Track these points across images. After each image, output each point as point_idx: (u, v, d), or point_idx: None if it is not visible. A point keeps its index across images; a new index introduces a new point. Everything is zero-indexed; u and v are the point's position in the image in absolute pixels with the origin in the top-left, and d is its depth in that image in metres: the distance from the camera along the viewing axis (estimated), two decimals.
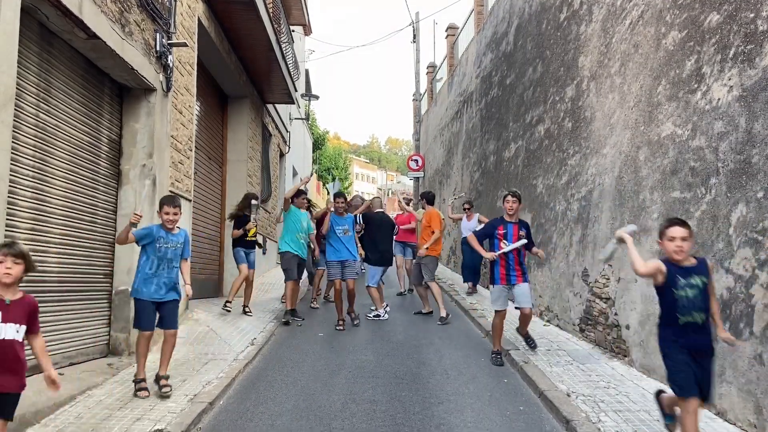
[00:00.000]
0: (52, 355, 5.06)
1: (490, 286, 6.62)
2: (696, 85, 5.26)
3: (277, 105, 14.52)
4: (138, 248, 5.19)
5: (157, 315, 5.11)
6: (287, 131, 17.17)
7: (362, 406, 4.96)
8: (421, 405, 4.98)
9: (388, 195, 71.29)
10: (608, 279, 6.44)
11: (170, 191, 6.88)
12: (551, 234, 8.35)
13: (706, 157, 4.96)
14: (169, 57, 6.60)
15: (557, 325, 7.84)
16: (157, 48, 6.35)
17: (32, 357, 4.82)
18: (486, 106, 13.09)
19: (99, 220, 5.89)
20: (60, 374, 4.99)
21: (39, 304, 4.91)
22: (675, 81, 5.59)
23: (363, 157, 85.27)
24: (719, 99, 4.92)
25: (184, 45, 6.90)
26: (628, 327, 5.92)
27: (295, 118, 18.63)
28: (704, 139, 5.02)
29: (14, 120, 4.38)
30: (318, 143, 30.68)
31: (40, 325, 4.96)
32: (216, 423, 4.55)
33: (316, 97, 18.97)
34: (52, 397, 4.43)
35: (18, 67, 4.36)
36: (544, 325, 8.05)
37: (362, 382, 5.62)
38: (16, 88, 4.36)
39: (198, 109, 9.12)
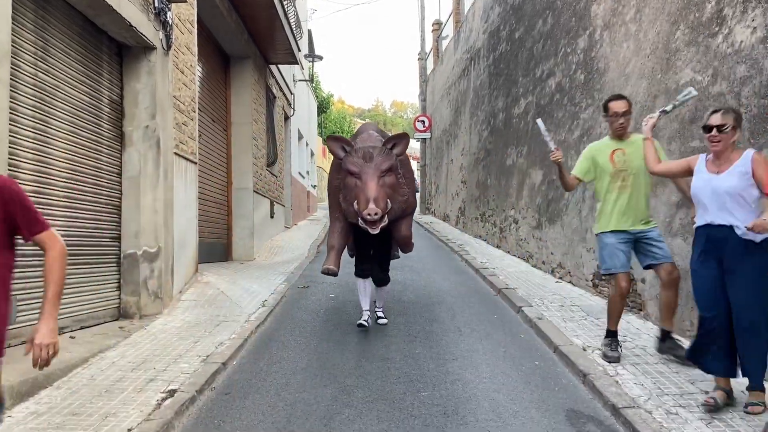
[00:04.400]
0: (62, 319, 5.06)
1: None
2: (717, 28, 5.04)
3: (280, 66, 14.25)
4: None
5: None
6: (291, 93, 16.92)
7: (376, 363, 4.93)
8: (436, 362, 4.94)
9: None
10: None
11: (174, 153, 6.77)
12: (563, 190, 8.19)
13: (727, 103, 4.76)
14: (168, 14, 6.40)
15: (570, 282, 7.76)
16: (156, 4, 6.14)
17: (35, 323, 4.81)
18: (494, 62, 12.79)
19: (103, 183, 5.80)
20: (71, 337, 5.00)
21: None
22: (694, 25, 5.36)
23: (368, 120, 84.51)
24: (742, 42, 4.70)
25: (184, 1, 6.68)
26: (643, 281, 5.83)
27: (299, 80, 18.34)
28: (726, 84, 4.83)
29: (12, 79, 4.26)
30: (323, 106, 30.33)
31: None
32: (230, 383, 4.52)
33: (320, 58, 18.66)
34: (65, 359, 4.42)
35: (13, 23, 4.21)
36: (556, 281, 7.98)
37: (375, 341, 5.58)
38: (12, 46, 4.22)
39: (200, 69, 8.93)
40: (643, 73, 6.17)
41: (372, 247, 5.95)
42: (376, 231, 5.03)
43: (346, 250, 6.17)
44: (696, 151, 5.07)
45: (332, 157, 5.64)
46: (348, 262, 6.29)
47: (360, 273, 6.01)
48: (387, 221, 5.10)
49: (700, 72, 5.19)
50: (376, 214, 4.88)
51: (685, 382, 4.07)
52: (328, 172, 6.04)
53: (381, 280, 6.04)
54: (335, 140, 5.45)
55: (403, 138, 5.47)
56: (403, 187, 5.52)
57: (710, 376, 3.83)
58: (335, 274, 5.61)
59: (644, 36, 6.25)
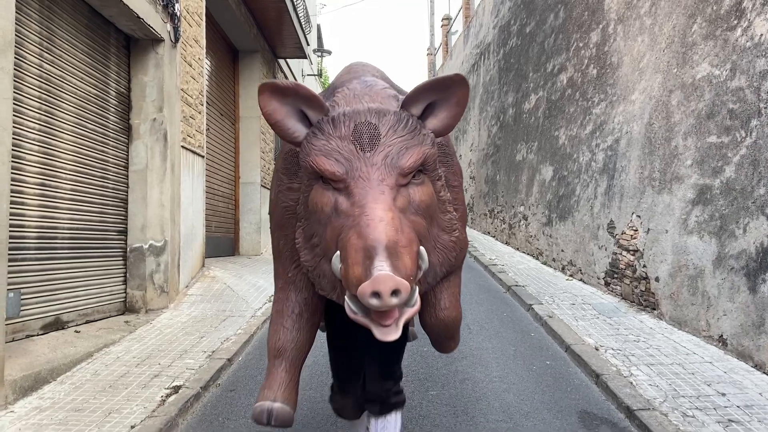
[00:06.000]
0: (68, 313, 5.02)
1: None
2: (736, 22, 4.91)
3: (289, 61, 14.17)
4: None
5: None
6: None
7: None
8: (444, 360, 4.85)
9: None
10: (636, 230, 6.20)
11: (182, 146, 6.71)
12: (574, 186, 8.09)
13: (746, 98, 4.65)
14: (176, 6, 6.33)
15: (581, 280, 7.65)
16: None
17: (46, 315, 4.78)
18: (504, 57, 12.65)
19: (110, 176, 5.74)
20: (76, 332, 4.96)
21: (52, 261, 4.85)
22: (712, 18, 5.23)
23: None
24: (762, 35, 4.58)
25: None
26: (657, 279, 5.72)
27: (308, 75, 18.25)
28: (744, 78, 4.70)
29: (16, 69, 4.20)
30: None
31: (54, 282, 4.92)
32: (235, 379, 4.46)
33: (329, 53, 18.54)
34: (69, 354, 4.37)
35: (17, 12, 4.15)
36: (567, 279, 7.87)
37: None
38: (16, 35, 4.16)
39: (208, 63, 8.86)
40: (659, 68, 6.04)
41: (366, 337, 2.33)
42: (394, 336, 1.81)
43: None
44: (713, 148, 4.96)
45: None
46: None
47: (341, 404, 3.02)
48: (418, 304, 1.88)
49: (717, 66, 5.06)
50: (394, 293, 1.67)
51: (701, 384, 3.96)
52: (273, 174, 2.74)
53: (385, 397, 2.88)
54: (280, 93, 2.11)
55: (453, 87, 2.09)
56: (450, 211, 2.35)
57: (729, 379, 3.73)
58: (286, 424, 2.38)
59: (659, 29, 6.12)
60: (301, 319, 2.57)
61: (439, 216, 2.24)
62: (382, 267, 1.66)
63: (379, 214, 1.78)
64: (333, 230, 1.91)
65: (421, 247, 1.93)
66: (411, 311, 1.83)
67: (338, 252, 1.83)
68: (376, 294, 1.64)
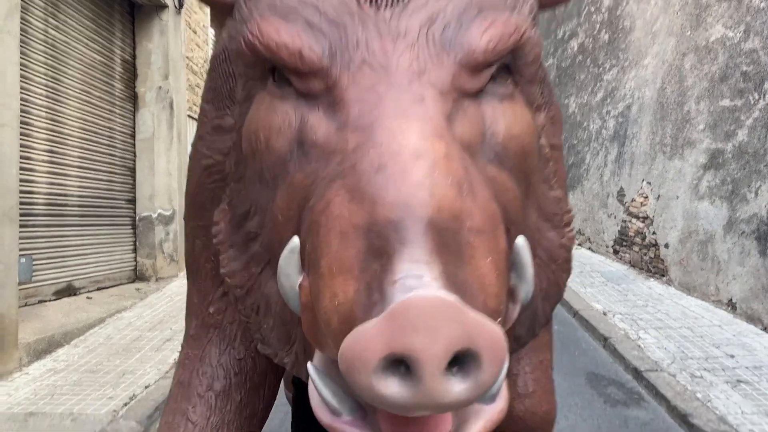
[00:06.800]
0: (79, 280, 5.07)
1: None
2: None
3: None
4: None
5: None
6: None
7: None
8: None
9: None
10: (646, 197, 6.16)
11: (188, 115, 6.68)
12: (584, 155, 8.02)
13: (760, 60, 4.56)
14: None
15: (589, 248, 7.64)
16: None
17: (58, 281, 4.83)
18: None
19: (117, 144, 5.73)
20: (88, 298, 5.01)
21: (62, 228, 4.88)
22: None
23: None
24: None
25: None
26: (667, 246, 5.69)
27: None
28: (758, 40, 4.61)
29: (22, 35, 4.17)
30: None
31: (65, 249, 4.96)
32: None
33: None
34: (82, 319, 4.43)
35: None
36: (576, 248, 7.85)
37: None
38: (21, 1, 4.12)
39: (214, 31, 8.77)
40: (672, 31, 5.92)
41: None
42: None
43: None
44: (726, 112, 4.89)
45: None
46: None
47: None
48: (505, 398, 0.72)
49: (731, 28, 4.96)
50: (459, 361, 0.58)
51: (709, 346, 3.97)
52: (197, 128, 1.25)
53: None
54: None
55: None
56: (554, 186, 1.11)
57: (738, 341, 3.73)
58: None
59: None
60: (227, 401, 1.31)
61: (541, 187, 1.08)
62: (421, 277, 0.61)
63: (413, 144, 0.70)
64: (292, 193, 0.83)
65: (521, 239, 0.83)
66: (490, 415, 0.73)
67: (295, 243, 0.78)
68: (400, 362, 0.60)
